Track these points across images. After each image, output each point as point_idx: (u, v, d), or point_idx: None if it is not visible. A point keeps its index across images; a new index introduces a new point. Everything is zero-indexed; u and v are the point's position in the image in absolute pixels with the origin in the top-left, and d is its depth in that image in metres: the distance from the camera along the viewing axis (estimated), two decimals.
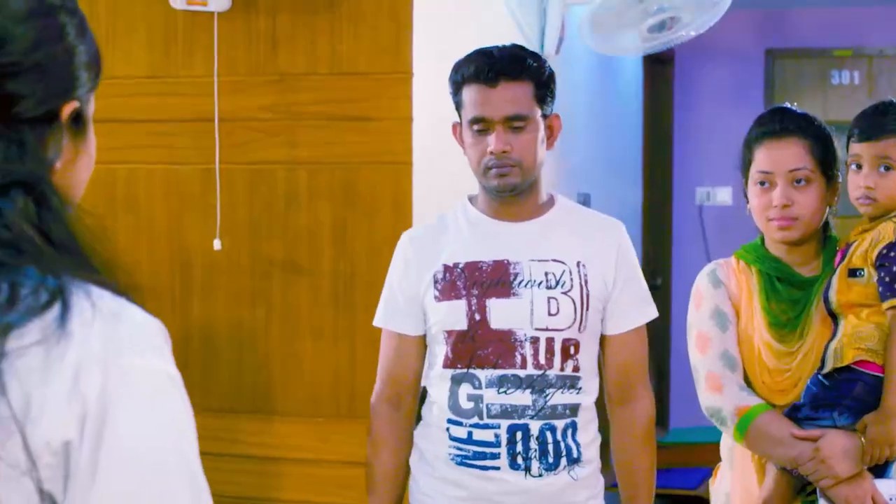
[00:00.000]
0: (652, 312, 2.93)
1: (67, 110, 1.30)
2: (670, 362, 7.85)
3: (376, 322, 2.94)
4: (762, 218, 2.84)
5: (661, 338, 7.49)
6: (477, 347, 2.78)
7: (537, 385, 2.76)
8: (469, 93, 2.78)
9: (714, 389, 2.83)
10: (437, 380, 2.85)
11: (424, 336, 2.89)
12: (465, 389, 2.79)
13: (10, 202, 1.20)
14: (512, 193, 2.81)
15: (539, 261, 2.80)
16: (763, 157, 2.82)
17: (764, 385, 2.81)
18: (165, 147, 3.82)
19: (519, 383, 2.76)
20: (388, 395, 2.94)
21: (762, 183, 2.82)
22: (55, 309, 1.16)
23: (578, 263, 2.82)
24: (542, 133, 2.80)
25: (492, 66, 2.75)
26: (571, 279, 2.80)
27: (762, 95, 8.05)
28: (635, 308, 2.89)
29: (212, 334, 3.80)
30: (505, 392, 2.76)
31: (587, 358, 2.83)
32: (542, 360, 2.77)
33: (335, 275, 3.70)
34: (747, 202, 2.91)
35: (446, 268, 2.83)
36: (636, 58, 7.26)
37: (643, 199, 7.71)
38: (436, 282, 2.83)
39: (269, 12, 3.71)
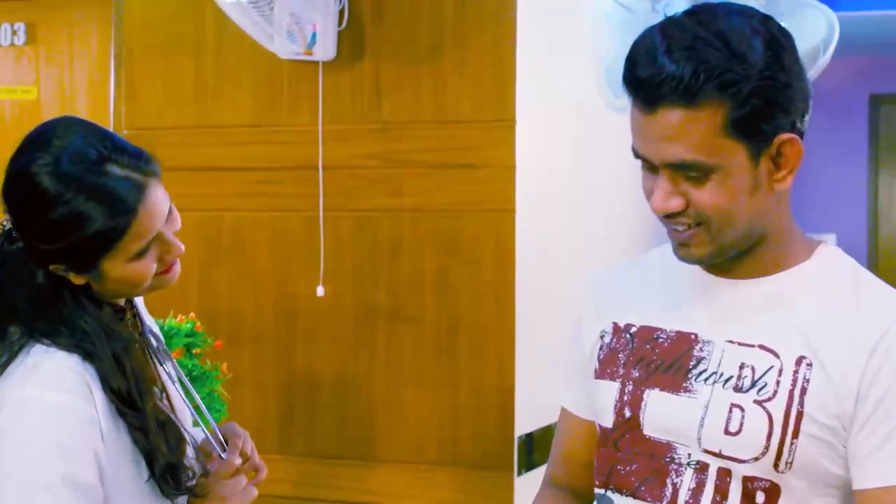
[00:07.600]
0: None
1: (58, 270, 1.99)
2: None
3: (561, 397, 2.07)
4: None
5: None
6: (618, 460, 1.83)
7: None
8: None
9: None
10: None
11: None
12: None
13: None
14: (709, 264, 1.82)
15: (739, 344, 1.76)
16: None
17: None
18: (270, 195, 3.87)
19: None
20: (556, 476, 2.07)
21: None
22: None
23: (800, 360, 1.72)
24: (746, 177, 1.73)
25: (648, 82, 1.66)
26: (779, 383, 1.71)
27: (866, 141, 7.96)
28: (893, 455, 1.67)
29: (315, 381, 3.81)
30: None
31: None
32: (704, 503, 1.74)
33: (438, 322, 3.70)
34: None
35: (616, 328, 1.90)
36: None
37: None
38: (601, 347, 1.92)
39: (373, 62, 3.74)
